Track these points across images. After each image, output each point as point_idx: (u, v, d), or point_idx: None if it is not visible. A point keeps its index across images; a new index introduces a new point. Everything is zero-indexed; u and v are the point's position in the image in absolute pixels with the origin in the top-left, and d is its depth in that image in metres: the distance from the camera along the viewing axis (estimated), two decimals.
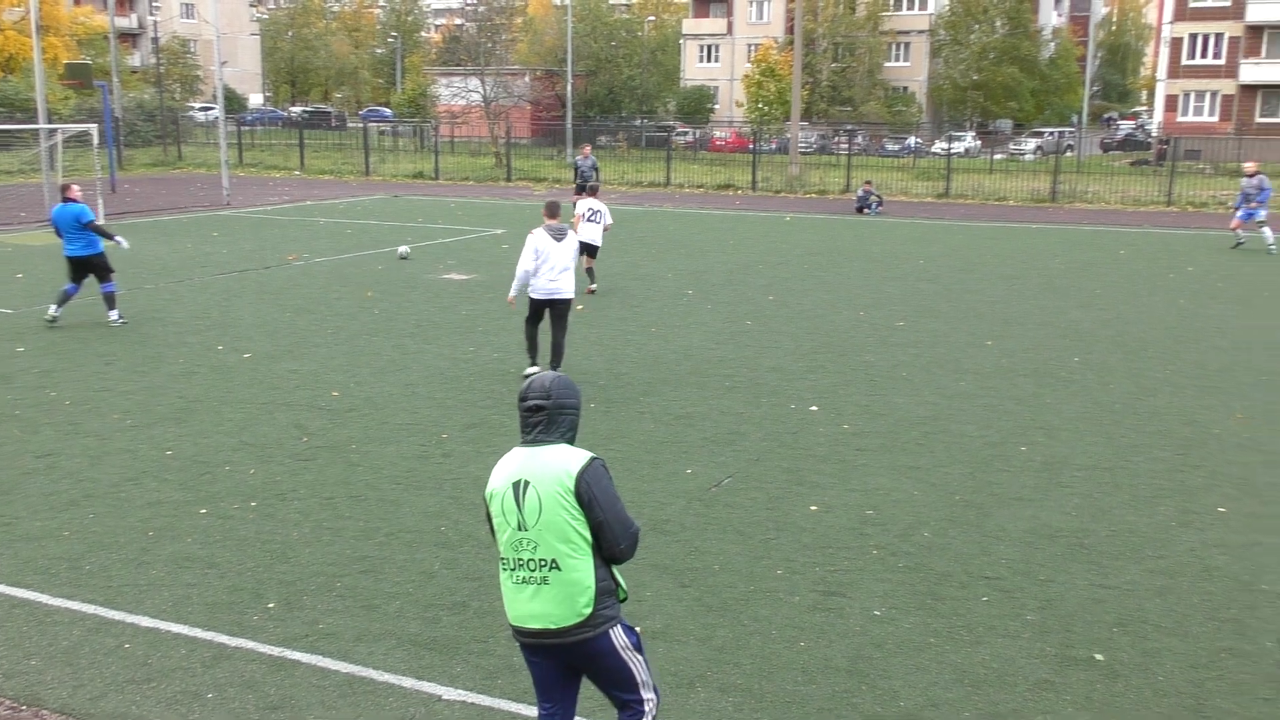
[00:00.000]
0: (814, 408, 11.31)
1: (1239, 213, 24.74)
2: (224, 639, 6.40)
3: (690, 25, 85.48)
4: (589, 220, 18.24)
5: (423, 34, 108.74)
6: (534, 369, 12.39)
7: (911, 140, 61.13)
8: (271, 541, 7.79)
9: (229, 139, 40.05)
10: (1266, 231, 24.12)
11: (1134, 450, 10.02)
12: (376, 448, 9.92)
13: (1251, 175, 24.62)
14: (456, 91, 58.59)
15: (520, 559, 4.34)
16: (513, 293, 12.32)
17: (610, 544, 4.31)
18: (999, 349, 14.12)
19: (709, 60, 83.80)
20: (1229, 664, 6.17)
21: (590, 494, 4.26)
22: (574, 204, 29.25)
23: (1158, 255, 23.64)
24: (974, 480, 9.16)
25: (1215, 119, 61.93)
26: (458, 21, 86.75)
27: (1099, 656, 6.25)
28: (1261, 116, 60.87)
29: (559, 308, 12.18)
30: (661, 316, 16.16)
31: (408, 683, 5.94)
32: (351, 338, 14.50)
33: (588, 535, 4.29)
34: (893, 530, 8.06)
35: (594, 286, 18.16)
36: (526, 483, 4.31)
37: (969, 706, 5.75)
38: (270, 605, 6.82)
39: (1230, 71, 61.72)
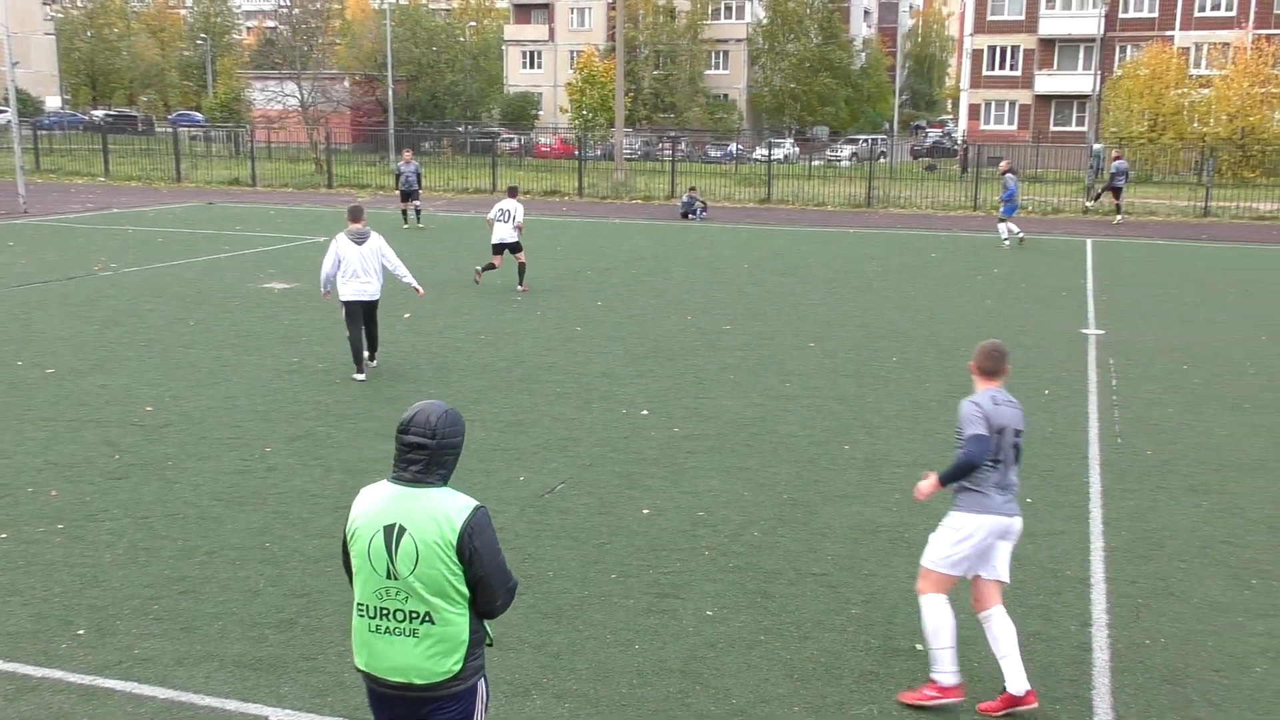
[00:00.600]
0: (645, 412, 11.42)
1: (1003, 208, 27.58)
2: (29, 670, 6.05)
3: (512, 31, 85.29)
4: (500, 221, 18.76)
5: (234, 36, 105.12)
6: (359, 376, 12.42)
7: (733, 146, 62.39)
8: (81, 565, 7.40)
9: (24, 143, 37.89)
10: (1002, 227, 26.98)
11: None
12: (195, 463, 9.54)
13: (1004, 173, 27.46)
14: (272, 96, 56.80)
15: (386, 609, 3.98)
16: (323, 290, 12.89)
17: (487, 600, 4.02)
18: (821, 350, 14.53)
19: (532, 66, 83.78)
20: (1037, 648, 6.50)
21: (473, 548, 3.92)
22: (402, 211, 28.89)
23: (966, 257, 24.76)
24: (800, 479, 9.40)
25: (1015, 127, 65.33)
26: (270, 24, 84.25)
27: (919, 646, 6.48)
28: (1055, 125, 64.52)
29: (368, 308, 12.61)
30: (490, 323, 16.05)
31: (232, 705, 5.74)
32: (166, 350, 13.91)
33: (465, 589, 3.97)
34: (723, 531, 8.20)
35: (524, 286, 19.00)
36: (402, 529, 3.93)
37: (798, 700, 5.90)
38: (80, 632, 6.48)
39: (1026, 82, 65.24)
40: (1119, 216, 33.85)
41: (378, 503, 4.02)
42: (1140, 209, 36.39)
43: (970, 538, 5.79)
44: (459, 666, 4.00)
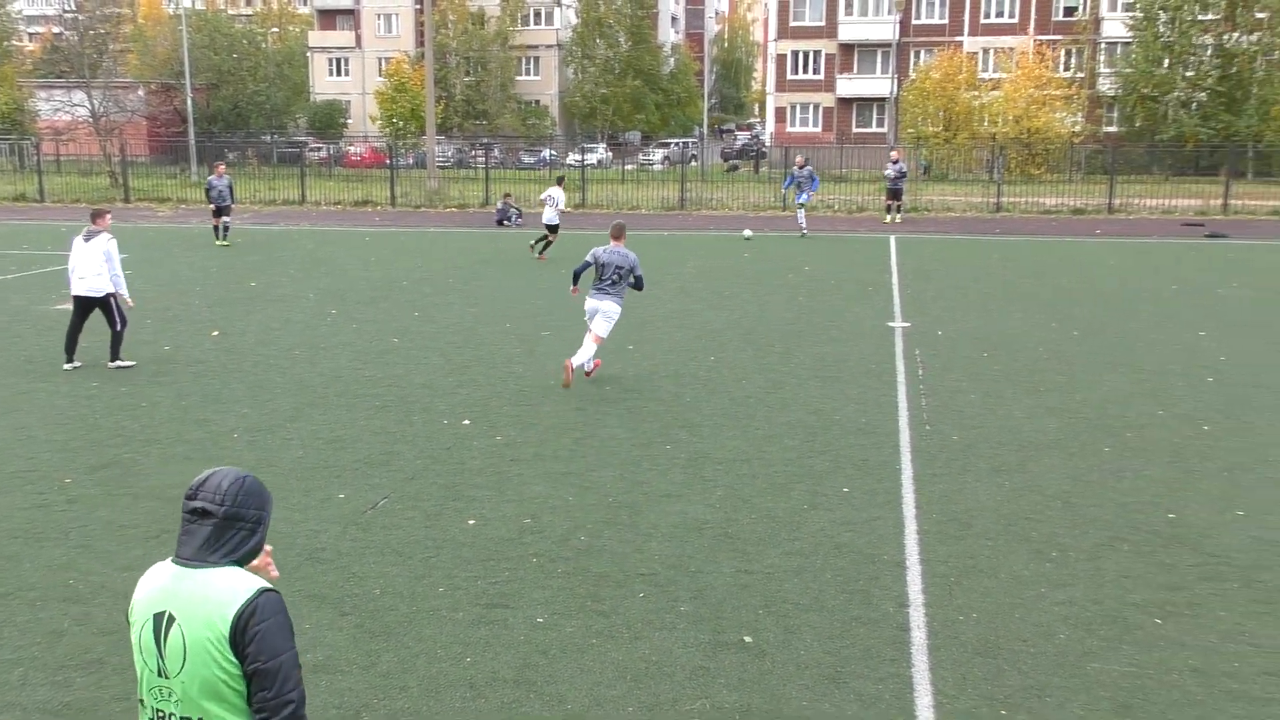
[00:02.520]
0: (466, 421, 11.31)
1: (796, 198, 30.60)
2: None
3: (317, 38, 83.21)
4: (549, 205, 24.87)
5: (13, 42, 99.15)
6: (70, 365, 13.54)
7: (546, 152, 62.48)
8: None
9: None
10: (801, 215, 30.40)
11: (768, 441, 10.71)
12: None
13: (801, 166, 30.50)
14: (60, 106, 53.94)
15: (161, 711, 3.34)
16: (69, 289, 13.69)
17: (260, 708, 3.26)
18: (640, 352, 14.68)
19: (339, 74, 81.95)
20: (859, 632, 6.72)
21: (251, 635, 3.23)
22: (214, 227, 27.97)
23: (777, 257, 25.41)
24: (625, 481, 9.47)
25: (819, 129, 67.49)
26: (56, 30, 79.86)
27: (748, 639, 6.62)
28: (858, 127, 66.97)
29: (97, 303, 13.53)
30: (305, 338, 15.62)
31: None
32: None
33: (244, 689, 3.31)
34: (551, 537, 8.19)
35: (542, 256, 24.62)
36: (171, 618, 3.28)
37: (632, 701, 5.94)
38: None
39: (829, 86, 67.49)
40: (899, 217, 33.81)
41: (154, 586, 3.38)
42: (938, 205, 38.06)
43: (586, 308, 12.65)
44: None
